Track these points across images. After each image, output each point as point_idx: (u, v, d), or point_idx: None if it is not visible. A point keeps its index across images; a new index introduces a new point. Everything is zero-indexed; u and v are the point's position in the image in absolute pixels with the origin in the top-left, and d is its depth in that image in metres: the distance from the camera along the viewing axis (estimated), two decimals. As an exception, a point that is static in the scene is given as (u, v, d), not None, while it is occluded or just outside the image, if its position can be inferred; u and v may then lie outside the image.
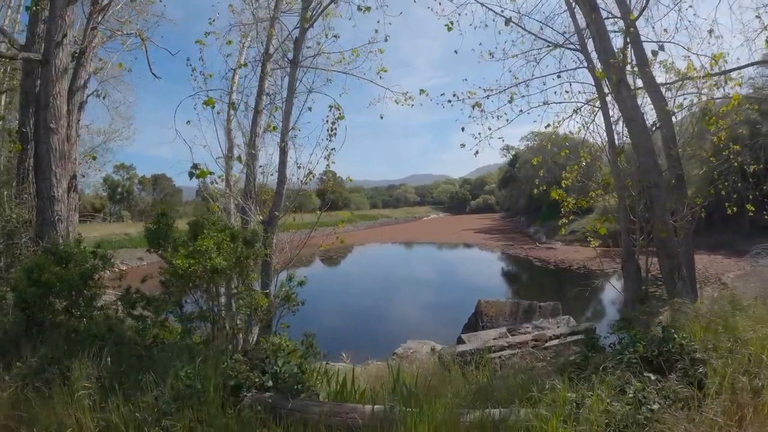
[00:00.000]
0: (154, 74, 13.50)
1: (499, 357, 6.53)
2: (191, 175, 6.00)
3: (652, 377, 3.63)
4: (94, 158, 15.41)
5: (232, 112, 9.65)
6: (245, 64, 9.69)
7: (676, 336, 4.15)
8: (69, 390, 3.78)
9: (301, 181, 6.57)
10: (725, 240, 28.82)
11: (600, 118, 8.21)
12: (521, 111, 8.04)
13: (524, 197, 67.78)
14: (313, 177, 6.61)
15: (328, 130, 6.55)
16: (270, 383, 4.15)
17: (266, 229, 6.52)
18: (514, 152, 78.83)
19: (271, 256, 6.46)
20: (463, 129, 7.85)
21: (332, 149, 6.49)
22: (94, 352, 4.12)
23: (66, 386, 3.88)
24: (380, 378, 7.09)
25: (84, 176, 16.36)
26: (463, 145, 8.02)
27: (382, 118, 9.59)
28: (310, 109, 7.05)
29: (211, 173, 6.83)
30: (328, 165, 6.44)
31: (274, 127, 7.27)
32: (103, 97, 13.16)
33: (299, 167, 6.63)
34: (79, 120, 10.79)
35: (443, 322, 22.06)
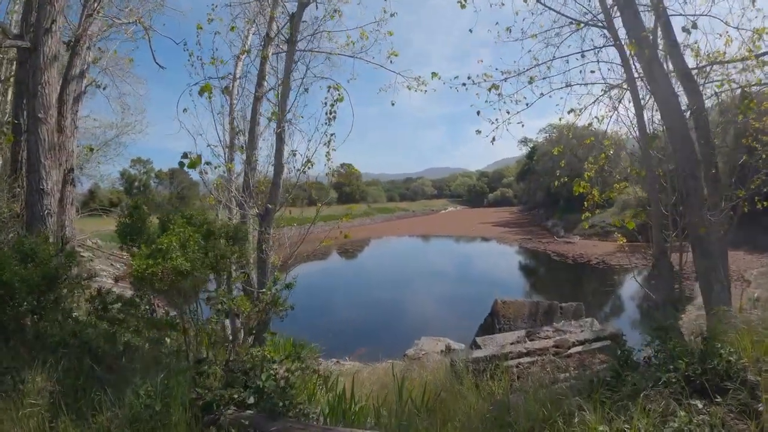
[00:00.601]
0: (158, 64, 13.09)
1: (517, 365, 5.94)
2: (182, 164, 5.50)
3: (699, 405, 3.01)
4: (91, 150, 14.99)
5: (234, 101, 9.22)
6: (249, 51, 9.23)
7: (722, 351, 3.52)
8: (17, 405, 3.30)
9: (299, 170, 5.99)
10: (746, 235, 27.76)
11: (628, 103, 7.54)
12: (542, 94, 7.38)
13: (542, 190, 66.77)
14: (312, 165, 6.06)
15: (326, 114, 5.97)
16: (251, 400, 3.61)
17: (261, 222, 6.00)
18: (532, 145, 77.72)
19: (267, 252, 5.95)
20: (478, 113, 7.22)
21: (332, 134, 5.94)
22: (51, 362, 3.64)
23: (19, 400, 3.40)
24: (387, 386, 6.58)
25: (82, 169, 15.89)
26: (478, 132, 7.41)
27: (393, 104, 9.24)
28: (306, 90, 6.48)
29: (207, 163, 6.36)
30: (328, 152, 5.88)
31: (276, 114, 6.74)
32: (104, 88, 12.75)
33: (294, 154, 6.04)
34: (77, 111, 10.41)
35: (459, 316, 21.64)
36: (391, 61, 8.52)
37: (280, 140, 6.20)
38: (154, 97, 23.09)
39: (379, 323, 20.69)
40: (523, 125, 7.45)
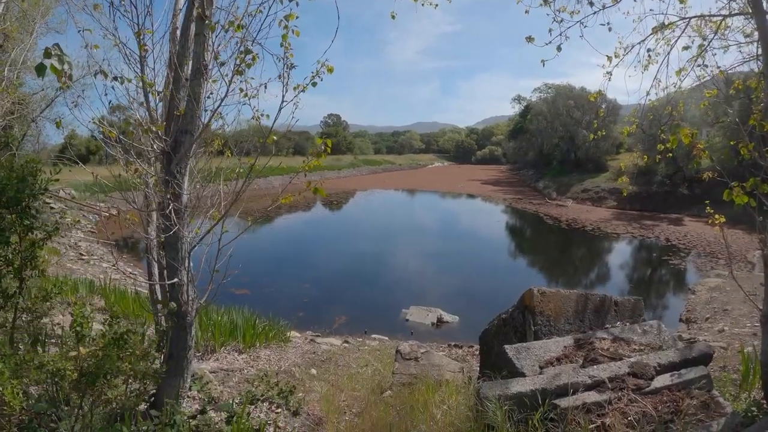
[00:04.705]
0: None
1: (582, 406, 3.83)
2: (41, 68, 2.98)
3: None
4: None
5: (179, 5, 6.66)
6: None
7: None
8: None
9: (238, 62, 3.24)
10: (744, 212, 25.80)
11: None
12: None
13: (534, 151, 64.82)
14: (253, 47, 3.34)
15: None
16: None
17: (168, 164, 3.56)
18: (525, 103, 75.32)
19: (180, 217, 3.51)
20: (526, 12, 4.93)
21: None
22: None
23: None
24: (375, 389, 4.43)
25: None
26: (530, 39, 5.10)
27: (393, 17, 7.09)
28: None
29: (105, 73, 3.89)
30: (286, 18, 3.21)
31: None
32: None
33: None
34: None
35: (447, 274, 19.91)
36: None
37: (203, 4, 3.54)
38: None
39: (361, 282, 18.81)
40: (610, 29, 5.12)
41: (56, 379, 2.31)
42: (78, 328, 2.43)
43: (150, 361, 2.74)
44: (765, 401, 4.65)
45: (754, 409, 4.55)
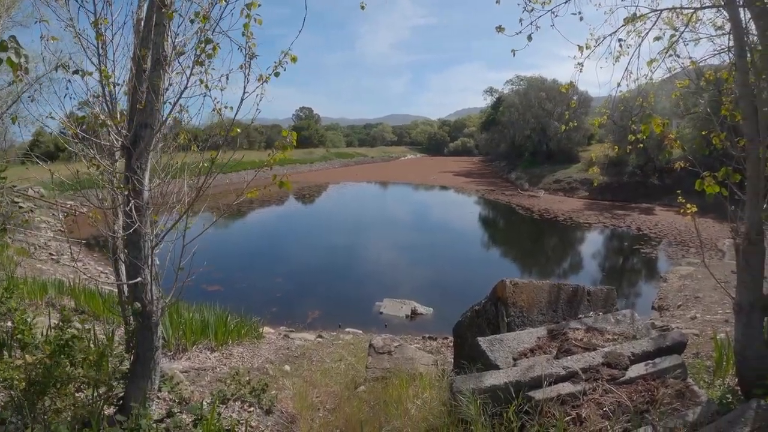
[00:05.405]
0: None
1: (557, 397, 3.83)
2: None
3: None
4: None
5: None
6: None
7: None
8: None
9: (198, 52, 3.09)
10: (715, 201, 26.51)
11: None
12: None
13: (506, 142, 65.33)
14: (219, 37, 3.18)
15: None
16: None
17: (129, 160, 3.41)
18: (497, 95, 75.86)
19: (141, 214, 3.35)
20: (497, 1, 4.90)
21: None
22: None
23: None
24: (349, 385, 4.38)
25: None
26: (500, 29, 5.07)
27: (363, 8, 6.86)
28: None
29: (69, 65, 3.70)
30: None
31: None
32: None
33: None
34: None
35: (419, 266, 20.01)
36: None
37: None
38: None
39: (335, 276, 18.71)
40: (581, 18, 5.12)
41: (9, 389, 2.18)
42: (20, 336, 2.29)
43: (114, 364, 2.60)
44: (739, 388, 4.72)
45: (728, 396, 4.62)
